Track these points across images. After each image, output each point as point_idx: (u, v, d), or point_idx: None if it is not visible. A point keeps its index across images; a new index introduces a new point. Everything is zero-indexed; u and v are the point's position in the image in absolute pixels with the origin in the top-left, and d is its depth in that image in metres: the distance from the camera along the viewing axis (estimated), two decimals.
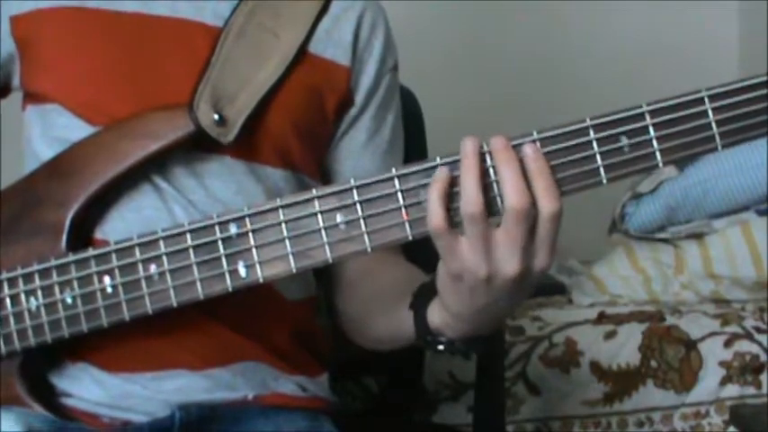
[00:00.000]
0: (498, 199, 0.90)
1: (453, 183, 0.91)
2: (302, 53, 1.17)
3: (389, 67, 1.25)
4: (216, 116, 1.09)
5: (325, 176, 1.23)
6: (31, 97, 1.18)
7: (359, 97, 1.22)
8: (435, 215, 0.90)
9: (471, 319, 0.95)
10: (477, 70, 2.76)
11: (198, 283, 1.01)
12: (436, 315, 0.98)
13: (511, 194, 0.88)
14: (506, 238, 0.89)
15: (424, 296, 1.00)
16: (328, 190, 0.96)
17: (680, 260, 2.21)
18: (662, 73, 2.63)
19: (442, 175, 0.91)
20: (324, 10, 1.20)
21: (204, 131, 1.08)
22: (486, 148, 0.91)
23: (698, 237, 2.20)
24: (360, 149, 1.23)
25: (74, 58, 1.14)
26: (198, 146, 1.10)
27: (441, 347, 1.00)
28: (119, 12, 1.14)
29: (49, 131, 1.15)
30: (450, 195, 0.91)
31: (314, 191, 0.96)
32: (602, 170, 0.90)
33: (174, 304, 1.02)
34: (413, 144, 1.37)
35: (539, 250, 0.90)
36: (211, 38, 1.13)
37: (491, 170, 0.90)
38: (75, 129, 1.12)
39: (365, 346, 1.19)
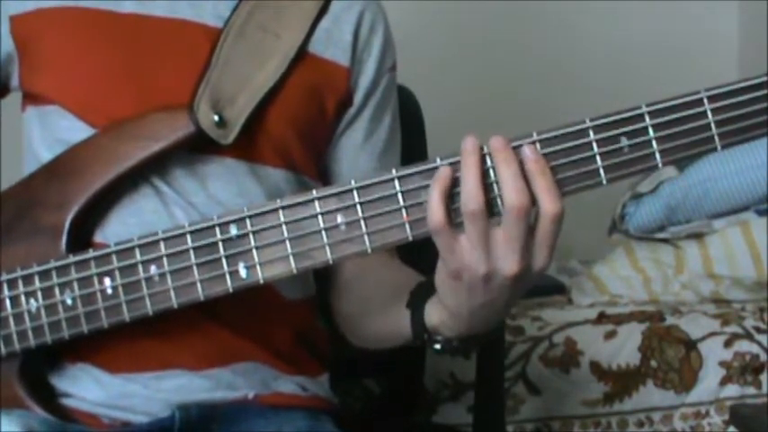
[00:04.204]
0: (498, 200, 0.90)
1: (454, 183, 0.91)
2: (302, 53, 1.17)
3: (388, 67, 1.25)
4: (216, 117, 1.09)
5: (322, 176, 1.23)
6: (30, 98, 1.18)
7: (357, 97, 1.22)
8: (436, 213, 0.90)
9: (469, 317, 0.95)
10: (476, 70, 2.77)
11: (198, 285, 1.01)
12: (434, 314, 0.98)
13: (510, 193, 0.88)
14: (506, 236, 0.89)
15: (421, 295, 1.01)
16: (329, 191, 0.96)
17: (680, 260, 2.21)
18: (662, 73, 2.63)
19: (443, 173, 0.91)
20: (323, 10, 1.20)
21: (204, 133, 1.08)
22: (486, 150, 0.91)
23: (698, 237, 2.21)
24: (357, 149, 1.23)
25: (74, 58, 1.14)
26: (198, 147, 1.10)
27: (437, 346, 1.00)
28: (117, 12, 1.14)
29: (50, 133, 1.15)
30: (451, 196, 0.91)
31: (314, 192, 0.96)
32: (602, 171, 0.90)
33: (175, 305, 1.02)
34: (412, 144, 1.37)
35: (538, 250, 0.90)
36: (211, 38, 1.13)
37: (491, 171, 0.90)
38: (76, 130, 1.12)
39: (362, 346, 1.19)
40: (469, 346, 1.01)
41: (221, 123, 1.09)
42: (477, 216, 0.89)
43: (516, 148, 0.90)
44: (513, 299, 0.94)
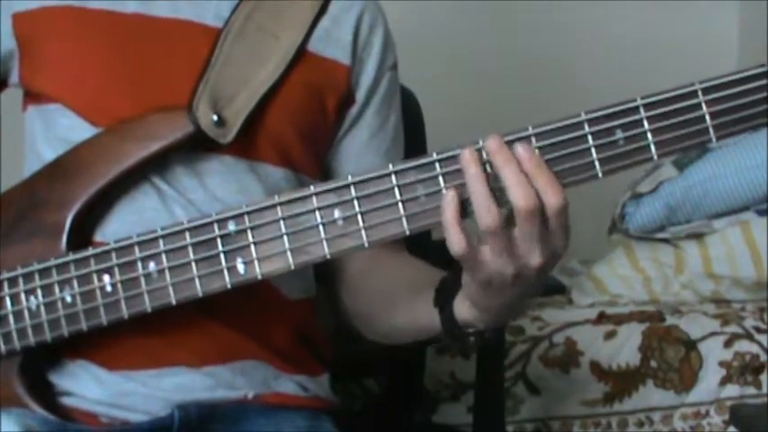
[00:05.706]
0: (499, 192, 0.90)
1: (463, 204, 0.92)
2: (302, 52, 1.17)
3: (389, 66, 1.25)
4: (215, 117, 1.09)
5: (326, 176, 1.22)
6: (32, 97, 1.18)
7: (359, 95, 1.22)
8: (457, 241, 0.91)
9: (500, 310, 0.97)
10: (476, 70, 2.76)
11: (197, 281, 1.01)
12: (464, 311, 0.99)
13: (517, 195, 0.89)
14: (523, 235, 0.90)
15: (447, 292, 1.01)
16: (326, 186, 0.96)
17: (680, 260, 2.21)
18: (662, 72, 2.62)
19: (449, 198, 0.91)
20: (323, 10, 1.20)
21: (203, 132, 1.09)
22: (480, 144, 0.91)
23: (698, 237, 2.21)
24: (362, 147, 1.23)
25: (75, 57, 1.14)
26: (198, 146, 1.11)
27: (471, 339, 1.01)
28: (120, 12, 1.14)
29: (52, 132, 1.15)
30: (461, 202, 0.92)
31: (311, 187, 0.97)
32: (596, 164, 0.90)
33: (173, 302, 1.03)
34: (412, 144, 1.37)
35: (555, 236, 0.91)
36: (211, 38, 1.14)
37: (487, 166, 0.91)
38: (78, 129, 1.12)
39: (376, 341, 1.19)
40: (500, 334, 1.03)
41: (220, 123, 1.10)
42: (494, 228, 0.90)
43: (510, 144, 0.90)
44: (541, 283, 0.96)
